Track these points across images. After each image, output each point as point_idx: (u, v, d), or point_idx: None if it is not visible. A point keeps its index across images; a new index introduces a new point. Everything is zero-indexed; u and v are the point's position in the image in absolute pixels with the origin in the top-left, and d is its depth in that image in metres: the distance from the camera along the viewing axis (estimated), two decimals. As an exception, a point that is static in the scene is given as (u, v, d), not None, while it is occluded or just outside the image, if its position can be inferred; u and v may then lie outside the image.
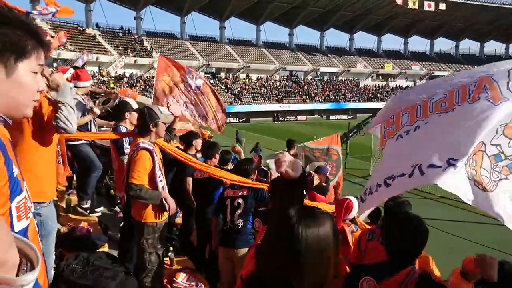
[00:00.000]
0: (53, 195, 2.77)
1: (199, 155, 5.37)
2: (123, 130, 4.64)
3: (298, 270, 1.18)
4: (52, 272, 2.78)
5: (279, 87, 60.16)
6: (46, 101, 2.60)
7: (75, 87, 5.16)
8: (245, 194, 4.13)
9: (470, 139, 2.78)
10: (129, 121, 4.63)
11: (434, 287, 2.06)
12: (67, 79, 5.26)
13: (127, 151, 4.40)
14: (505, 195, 3.31)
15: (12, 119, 1.23)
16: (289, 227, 1.21)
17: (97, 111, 5.06)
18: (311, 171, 8.14)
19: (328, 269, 1.21)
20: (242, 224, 4.07)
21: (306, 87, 62.02)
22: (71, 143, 4.83)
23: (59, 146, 2.96)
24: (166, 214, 3.53)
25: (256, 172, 4.90)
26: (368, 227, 3.95)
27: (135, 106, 4.80)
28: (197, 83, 5.58)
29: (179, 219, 5.54)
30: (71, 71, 5.35)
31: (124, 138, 4.45)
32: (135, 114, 4.70)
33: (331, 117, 57.14)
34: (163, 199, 3.40)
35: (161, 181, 3.45)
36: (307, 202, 3.83)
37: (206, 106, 5.66)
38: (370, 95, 64.54)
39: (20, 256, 0.86)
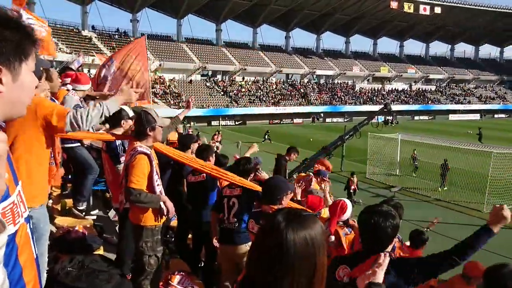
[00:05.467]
0: (45, 198, 2.77)
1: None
2: None
3: (285, 273, 1.18)
4: (45, 274, 2.76)
5: (275, 90, 60.19)
6: (51, 104, 2.60)
7: (73, 89, 5.16)
8: (238, 193, 4.19)
9: None
10: (123, 129, 4.57)
11: (400, 261, 2.19)
12: (66, 83, 5.26)
13: (122, 159, 4.34)
14: None
15: (7, 120, 1.23)
16: (277, 231, 1.21)
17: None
18: (310, 173, 8.14)
19: (316, 271, 1.22)
20: (237, 223, 4.13)
21: (302, 90, 62.11)
22: (67, 145, 4.81)
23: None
24: (164, 217, 3.54)
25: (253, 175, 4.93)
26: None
27: (130, 114, 4.77)
28: (113, 67, 5.68)
29: (174, 222, 5.55)
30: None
31: (118, 147, 4.39)
32: (130, 123, 4.68)
33: (327, 119, 57.23)
34: (162, 203, 3.42)
35: (158, 185, 3.46)
36: (290, 203, 3.86)
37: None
38: (366, 98, 64.68)
39: None
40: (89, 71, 43.09)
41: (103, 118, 2.79)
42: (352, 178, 16.87)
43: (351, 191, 16.43)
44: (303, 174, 9.45)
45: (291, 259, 1.18)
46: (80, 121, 2.59)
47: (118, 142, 4.33)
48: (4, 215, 1.12)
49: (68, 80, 5.22)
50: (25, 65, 1.18)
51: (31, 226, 1.32)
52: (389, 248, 2.36)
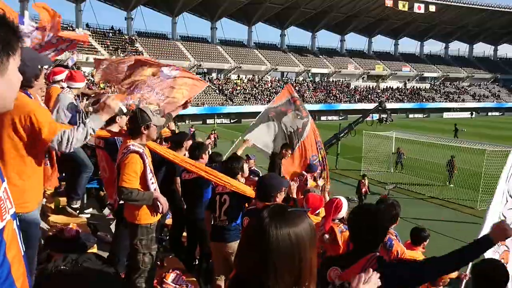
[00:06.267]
0: (37, 203, 2.71)
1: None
2: None
3: (270, 270, 1.17)
4: (33, 278, 2.72)
5: (270, 88, 60.19)
6: (48, 116, 2.55)
7: (68, 87, 5.12)
8: (229, 190, 4.18)
9: None
10: (118, 125, 4.54)
11: (391, 266, 2.18)
12: (61, 80, 5.22)
13: None
14: None
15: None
16: (261, 227, 1.20)
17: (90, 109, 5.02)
18: (303, 172, 8.14)
19: (302, 269, 1.20)
20: (227, 221, 4.12)
21: (297, 88, 62.15)
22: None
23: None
24: (159, 214, 3.52)
25: (247, 173, 4.92)
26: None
27: (125, 110, 4.75)
28: (171, 74, 5.71)
29: (169, 220, 5.53)
30: (65, 73, 5.30)
31: (118, 143, 4.35)
32: (125, 118, 4.65)
33: (322, 118, 57.31)
34: (155, 199, 3.39)
35: (152, 183, 3.44)
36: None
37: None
38: (361, 96, 64.83)
39: None
40: (78, 67, 42.91)
41: (88, 138, 2.71)
42: (363, 181, 16.73)
43: (362, 193, 16.34)
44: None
45: (274, 255, 1.17)
46: (65, 142, 2.52)
47: (117, 138, 4.30)
48: None
49: (58, 77, 5.17)
50: (13, 60, 1.18)
51: (18, 223, 1.31)
52: (379, 248, 2.35)
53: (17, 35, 1.20)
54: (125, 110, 4.63)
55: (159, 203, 3.39)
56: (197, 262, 5.12)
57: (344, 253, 2.35)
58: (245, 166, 4.51)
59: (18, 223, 1.28)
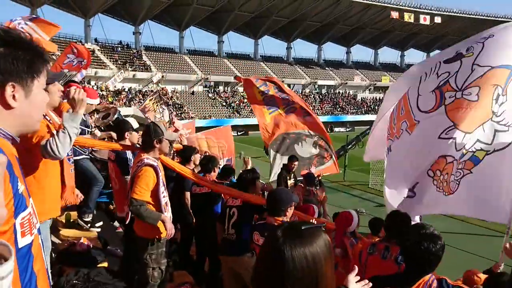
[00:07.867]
0: (48, 215, 2.74)
1: (197, 170, 5.38)
2: None
3: None
4: None
5: (277, 100, 60.28)
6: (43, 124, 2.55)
7: None
8: (239, 204, 4.19)
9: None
10: (129, 141, 4.59)
11: None
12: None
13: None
14: (470, 192, 3.52)
15: (21, 136, 1.27)
16: (275, 247, 1.19)
17: (98, 133, 5.07)
18: (307, 187, 8.10)
19: (319, 285, 1.20)
20: (235, 235, 4.10)
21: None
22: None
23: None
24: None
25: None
26: (366, 240, 3.97)
27: (135, 125, 4.80)
28: None
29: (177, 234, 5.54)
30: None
31: (128, 158, 4.40)
32: (135, 134, 4.70)
33: (329, 129, 57.27)
34: (162, 222, 3.41)
35: (164, 197, 3.47)
36: (297, 212, 3.86)
37: None
38: (367, 107, 64.75)
39: None
40: (95, 84, 43.43)
41: (73, 139, 2.56)
42: None
43: None
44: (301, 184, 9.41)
45: (291, 275, 1.16)
46: (52, 150, 2.45)
47: (129, 153, 4.35)
48: (22, 225, 1.17)
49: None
50: (37, 82, 1.24)
51: (42, 237, 1.35)
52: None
53: (43, 58, 1.25)
54: (135, 126, 4.68)
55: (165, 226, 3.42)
56: (206, 275, 5.11)
57: (394, 273, 2.27)
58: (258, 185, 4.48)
59: (42, 237, 1.33)
